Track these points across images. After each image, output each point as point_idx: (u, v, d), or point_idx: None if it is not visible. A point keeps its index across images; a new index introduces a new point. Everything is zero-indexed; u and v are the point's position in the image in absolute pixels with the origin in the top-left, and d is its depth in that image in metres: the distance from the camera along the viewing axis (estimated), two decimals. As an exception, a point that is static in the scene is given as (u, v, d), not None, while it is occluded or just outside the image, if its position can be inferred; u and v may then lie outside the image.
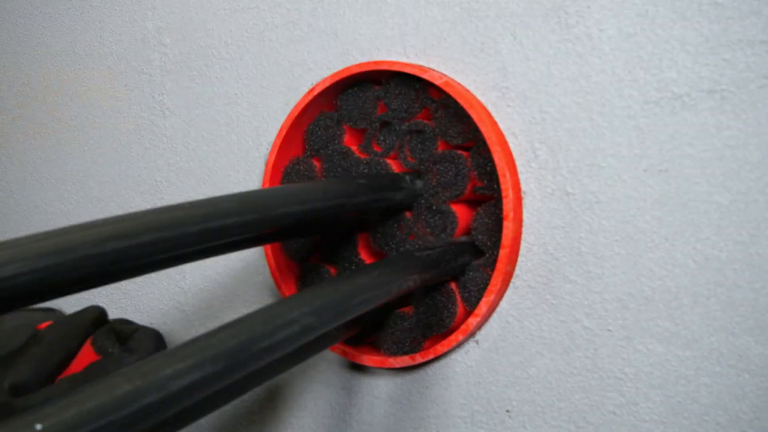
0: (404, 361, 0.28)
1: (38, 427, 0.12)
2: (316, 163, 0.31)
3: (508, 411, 0.27)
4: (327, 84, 0.29)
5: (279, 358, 0.23)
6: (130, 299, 0.38)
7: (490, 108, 0.28)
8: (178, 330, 0.36)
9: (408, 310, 0.28)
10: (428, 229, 0.28)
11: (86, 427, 0.13)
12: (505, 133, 0.27)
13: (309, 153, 0.31)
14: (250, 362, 0.17)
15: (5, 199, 0.46)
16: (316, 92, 0.29)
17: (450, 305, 0.27)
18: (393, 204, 0.27)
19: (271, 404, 0.33)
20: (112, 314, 0.39)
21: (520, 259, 0.27)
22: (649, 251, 0.25)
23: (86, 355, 0.29)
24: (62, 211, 0.43)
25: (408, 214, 0.28)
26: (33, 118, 0.44)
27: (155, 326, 0.37)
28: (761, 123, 0.23)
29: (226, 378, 0.16)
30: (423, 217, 0.28)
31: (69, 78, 0.42)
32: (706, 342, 0.24)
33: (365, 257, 0.29)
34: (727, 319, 0.23)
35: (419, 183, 0.28)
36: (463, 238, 0.27)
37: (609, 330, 0.25)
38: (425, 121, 0.28)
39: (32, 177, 0.44)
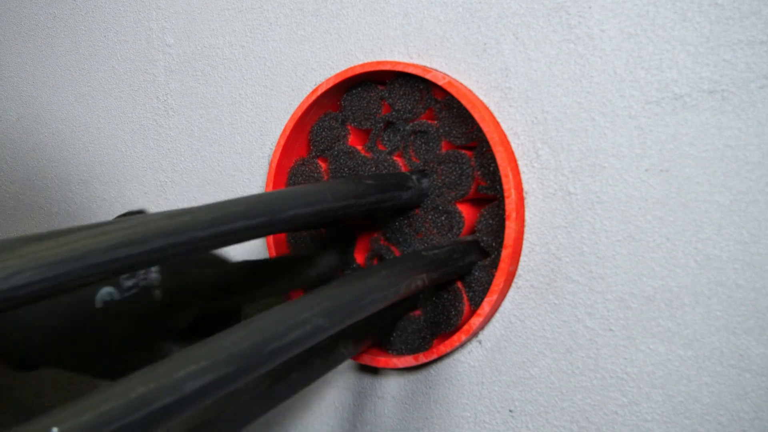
0: (408, 361, 0.28)
1: (54, 430, 0.12)
2: (321, 164, 0.31)
3: (510, 411, 0.27)
4: (331, 84, 0.29)
5: (294, 378, 0.23)
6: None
7: (492, 108, 0.28)
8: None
9: (416, 312, 0.29)
10: (435, 229, 0.28)
11: (102, 429, 0.13)
12: (508, 133, 0.27)
13: (314, 153, 0.31)
14: (262, 364, 0.17)
15: (10, 200, 0.46)
16: (319, 92, 0.29)
17: (457, 304, 0.27)
18: (400, 203, 0.27)
19: (274, 404, 0.33)
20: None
21: (522, 259, 0.27)
22: (651, 251, 0.25)
23: None
24: (67, 212, 0.43)
25: (417, 211, 0.28)
26: (37, 118, 0.45)
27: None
28: (761, 123, 0.23)
29: (239, 380, 0.16)
30: (430, 216, 0.28)
31: (73, 78, 0.43)
32: (708, 342, 0.24)
33: (361, 261, 0.30)
34: (728, 319, 0.23)
35: (426, 182, 0.28)
36: (469, 238, 0.28)
37: (611, 330, 0.25)
38: (429, 122, 0.28)
39: (37, 177, 0.45)
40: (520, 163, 0.27)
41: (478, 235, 0.27)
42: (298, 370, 0.23)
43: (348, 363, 0.31)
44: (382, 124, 0.29)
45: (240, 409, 0.21)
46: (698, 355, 0.24)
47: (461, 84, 0.28)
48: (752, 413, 0.23)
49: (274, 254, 0.31)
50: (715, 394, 0.24)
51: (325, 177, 0.30)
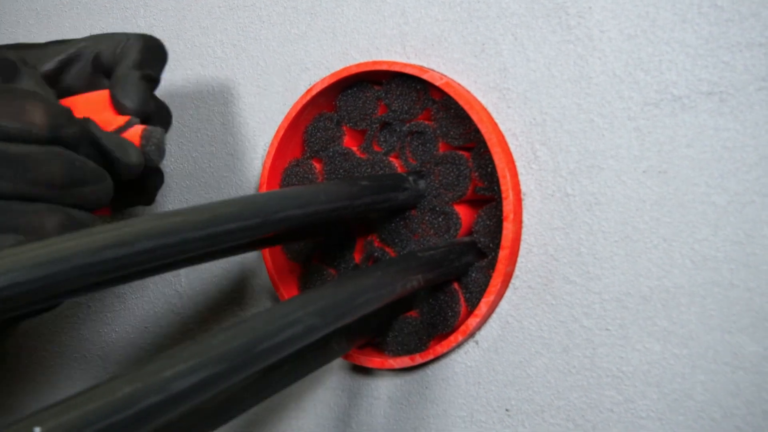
0: (404, 361, 0.28)
1: (37, 430, 0.12)
2: (316, 165, 0.30)
3: (507, 410, 0.27)
4: (325, 84, 0.29)
5: (284, 372, 0.23)
6: (123, 303, 0.38)
7: (490, 109, 0.27)
8: (174, 333, 0.36)
9: (413, 313, 0.29)
10: (432, 230, 0.28)
11: (86, 429, 0.13)
12: (506, 134, 0.27)
13: (309, 154, 0.30)
14: (252, 363, 0.17)
15: None
16: (314, 92, 0.29)
17: (453, 305, 0.27)
18: (396, 204, 0.27)
19: (271, 405, 0.33)
20: (109, 318, 0.38)
21: (519, 260, 0.27)
22: (648, 251, 0.25)
23: None
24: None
25: (413, 212, 0.28)
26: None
27: (150, 330, 0.37)
28: (759, 125, 0.23)
29: (228, 379, 0.16)
30: (427, 218, 0.28)
31: (56, 75, 0.41)
32: (703, 340, 0.24)
33: (360, 262, 0.30)
34: (723, 318, 0.24)
35: (422, 183, 0.28)
36: (466, 239, 0.28)
37: (607, 329, 0.26)
38: (426, 122, 0.28)
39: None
40: (518, 164, 0.27)
41: (475, 236, 0.27)
42: (290, 364, 0.23)
43: (343, 363, 0.31)
44: (378, 125, 0.29)
45: (228, 399, 0.21)
46: (693, 354, 0.24)
47: (459, 84, 0.28)
48: (745, 409, 0.24)
49: (268, 259, 0.31)
50: (709, 392, 0.24)
51: (320, 178, 0.30)
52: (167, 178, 0.37)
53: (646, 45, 0.25)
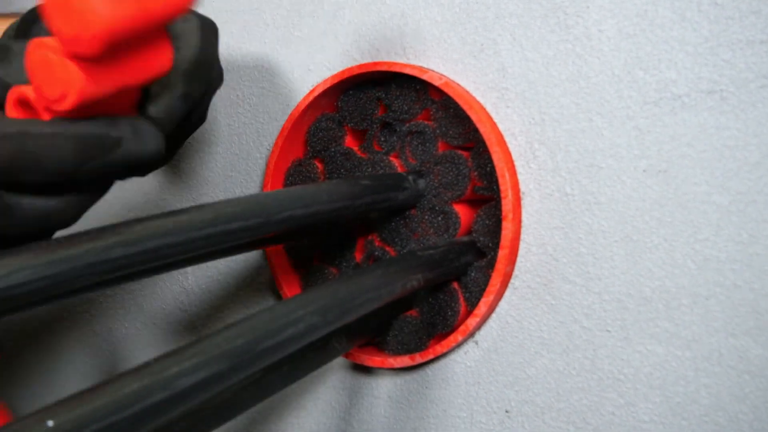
0: (404, 361, 0.28)
1: (50, 423, 0.13)
2: (318, 165, 0.31)
3: (507, 411, 0.27)
4: (327, 85, 0.29)
5: (284, 371, 0.23)
6: (133, 299, 0.39)
7: (489, 109, 0.28)
8: (180, 331, 0.37)
9: (413, 312, 0.29)
10: (432, 230, 0.28)
11: (96, 424, 0.13)
12: (505, 133, 0.27)
13: (311, 154, 0.31)
14: (254, 361, 0.17)
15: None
16: (316, 93, 0.29)
17: (453, 304, 0.27)
18: (396, 204, 0.27)
19: (272, 404, 0.34)
20: (120, 315, 0.39)
21: (519, 259, 0.27)
22: (649, 252, 0.25)
23: None
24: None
25: (413, 212, 0.28)
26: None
27: (158, 326, 0.37)
28: (761, 123, 0.23)
29: (231, 377, 0.16)
30: (426, 217, 0.28)
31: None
32: (706, 343, 0.24)
33: (361, 261, 0.30)
34: (726, 320, 0.23)
35: (422, 182, 0.28)
36: (466, 238, 0.28)
37: (608, 330, 0.25)
38: (425, 122, 0.28)
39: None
40: (517, 163, 0.27)
41: (474, 235, 0.27)
42: (290, 363, 0.23)
43: (343, 362, 0.31)
44: (378, 125, 0.29)
45: (228, 398, 0.21)
46: (696, 356, 0.24)
47: (458, 85, 0.28)
48: (751, 415, 0.23)
49: (272, 257, 0.31)
50: (713, 396, 0.24)
51: (322, 178, 0.30)
52: (174, 178, 0.38)
53: (645, 44, 0.24)
